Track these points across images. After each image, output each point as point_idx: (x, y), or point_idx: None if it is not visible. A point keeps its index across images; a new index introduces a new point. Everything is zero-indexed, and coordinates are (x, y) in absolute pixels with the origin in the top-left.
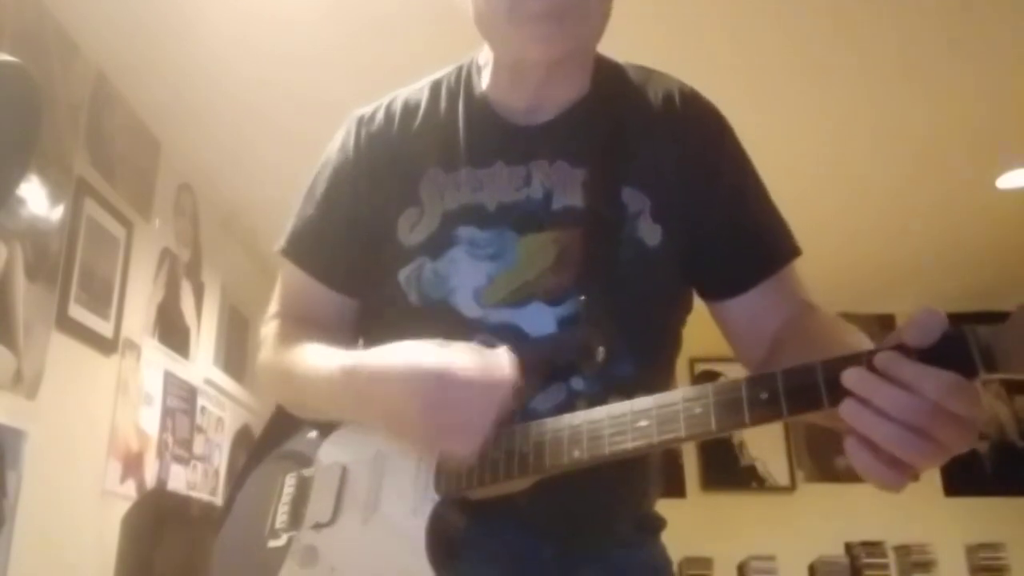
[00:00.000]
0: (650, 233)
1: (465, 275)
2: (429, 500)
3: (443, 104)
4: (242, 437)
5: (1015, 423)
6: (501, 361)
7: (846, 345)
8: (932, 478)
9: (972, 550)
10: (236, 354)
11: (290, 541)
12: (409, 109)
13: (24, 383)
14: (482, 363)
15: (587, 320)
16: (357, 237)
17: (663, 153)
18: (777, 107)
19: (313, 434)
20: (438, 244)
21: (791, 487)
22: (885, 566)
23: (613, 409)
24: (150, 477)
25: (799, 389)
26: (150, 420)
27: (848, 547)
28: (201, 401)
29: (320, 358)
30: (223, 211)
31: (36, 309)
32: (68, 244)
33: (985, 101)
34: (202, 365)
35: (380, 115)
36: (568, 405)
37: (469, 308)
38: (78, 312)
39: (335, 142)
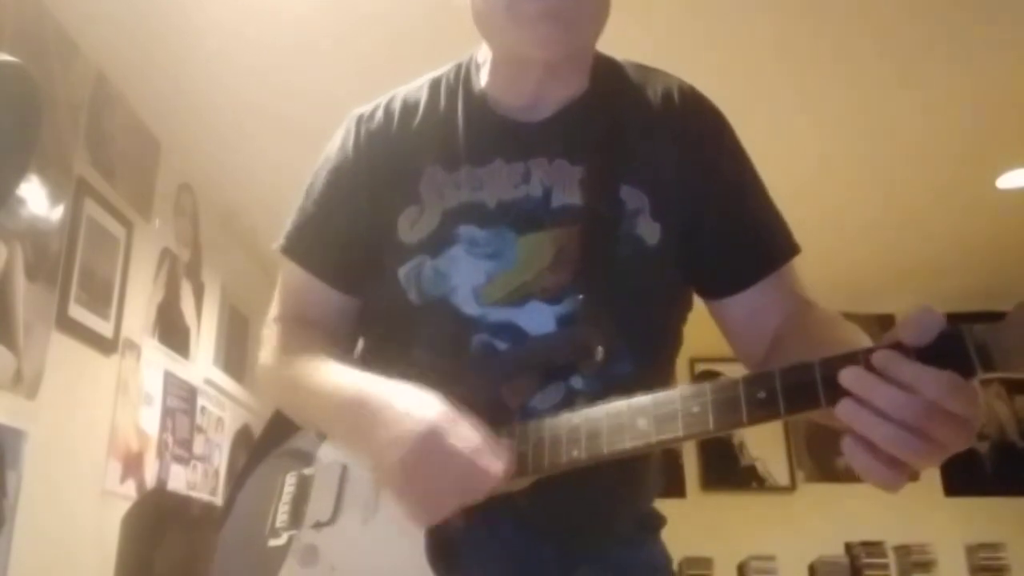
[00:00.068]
0: (649, 231)
1: (465, 274)
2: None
3: (442, 102)
4: (242, 437)
5: (1015, 423)
6: (499, 453)
7: (845, 343)
8: (932, 478)
9: (972, 550)
10: (236, 354)
11: (290, 540)
12: (408, 107)
13: (24, 383)
14: (478, 445)
15: (586, 319)
16: (357, 235)
17: (662, 151)
18: (776, 107)
19: (313, 434)
20: (438, 242)
21: (791, 487)
22: (885, 566)
23: (611, 408)
24: (150, 477)
25: (797, 388)
26: (150, 420)
27: (848, 547)
28: (201, 401)
29: (329, 379)
30: (223, 211)
31: (36, 309)
32: (68, 244)
33: (985, 101)
34: (202, 365)
35: (380, 114)
36: (567, 404)
37: (468, 306)
38: (78, 312)
39: (335, 141)
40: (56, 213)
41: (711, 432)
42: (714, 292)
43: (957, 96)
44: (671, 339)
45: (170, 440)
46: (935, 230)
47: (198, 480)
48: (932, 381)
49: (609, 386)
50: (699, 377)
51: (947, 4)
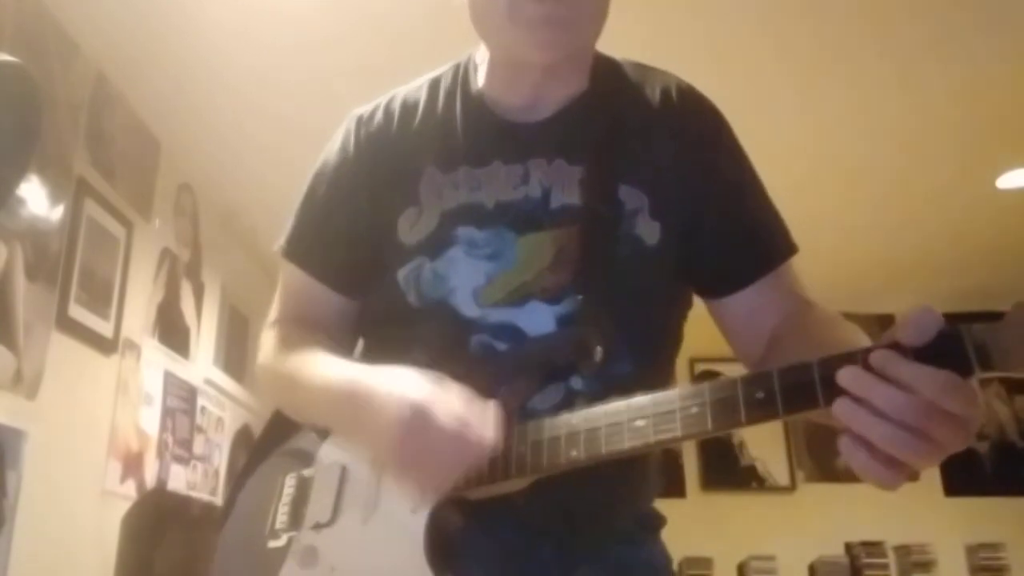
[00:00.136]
0: (648, 231)
1: (464, 275)
2: (428, 500)
3: (441, 103)
4: (242, 437)
5: (1015, 423)
6: (487, 419)
7: (844, 343)
8: (932, 478)
9: (972, 550)
10: (236, 354)
11: (290, 541)
12: (408, 108)
13: (24, 383)
14: (465, 416)
15: (585, 319)
16: (357, 237)
17: (661, 150)
18: (776, 107)
19: (313, 434)
20: (437, 244)
21: (791, 487)
22: (885, 566)
23: (610, 408)
24: (150, 477)
25: (795, 388)
26: (150, 420)
27: (848, 547)
28: (201, 401)
29: (322, 372)
30: (223, 211)
31: (36, 309)
32: (68, 244)
33: (985, 101)
34: (202, 365)
35: (379, 114)
36: (567, 404)
37: (468, 308)
38: (78, 312)
39: (334, 142)
40: (56, 213)
41: (710, 432)
42: (713, 291)
43: (957, 96)
44: (671, 339)
45: (170, 440)
46: (935, 230)
47: (198, 480)
48: (930, 381)
49: (609, 386)
50: (699, 377)
51: (947, 4)
